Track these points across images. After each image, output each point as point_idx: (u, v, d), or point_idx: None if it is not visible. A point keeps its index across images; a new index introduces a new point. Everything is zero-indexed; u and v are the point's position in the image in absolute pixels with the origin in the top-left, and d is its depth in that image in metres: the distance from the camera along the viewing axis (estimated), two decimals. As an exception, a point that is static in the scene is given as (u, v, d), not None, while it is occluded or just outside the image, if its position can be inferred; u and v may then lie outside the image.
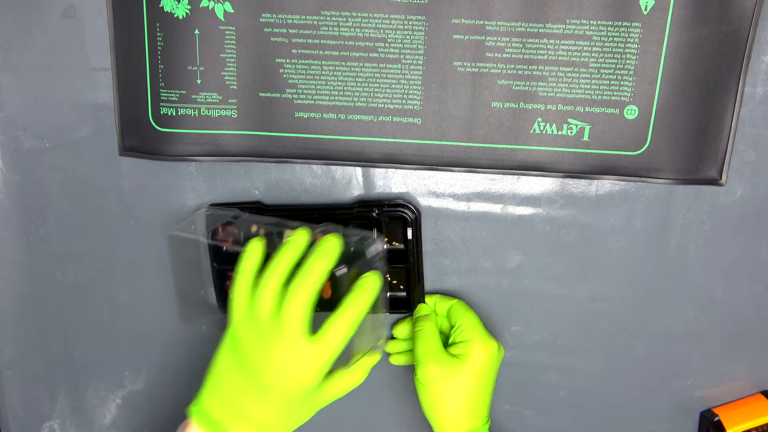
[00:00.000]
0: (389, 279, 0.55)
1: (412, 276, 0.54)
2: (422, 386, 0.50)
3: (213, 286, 0.55)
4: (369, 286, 0.44)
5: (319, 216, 0.52)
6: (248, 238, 0.51)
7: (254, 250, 0.44)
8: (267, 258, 0.44)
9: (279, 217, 0.52)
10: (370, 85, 0.50)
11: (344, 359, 0.46)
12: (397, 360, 0.57)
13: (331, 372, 0.45)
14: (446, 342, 0.52)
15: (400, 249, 0.53)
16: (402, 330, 0.56)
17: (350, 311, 0.43)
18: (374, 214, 0.52)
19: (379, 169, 0.54)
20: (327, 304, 0.52)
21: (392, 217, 0.52)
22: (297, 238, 0.44)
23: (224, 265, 0.53)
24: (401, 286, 0.55)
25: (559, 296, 0.56)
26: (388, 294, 0.55)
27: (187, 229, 0.52)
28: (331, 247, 0.43)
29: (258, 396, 0.43)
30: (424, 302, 0.55)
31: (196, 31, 0.49)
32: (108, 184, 0.55)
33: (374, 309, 0.51)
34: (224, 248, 0.54)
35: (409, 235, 0.52)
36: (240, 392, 0.43)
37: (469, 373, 0.49)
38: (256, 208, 0.53)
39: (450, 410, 0.49)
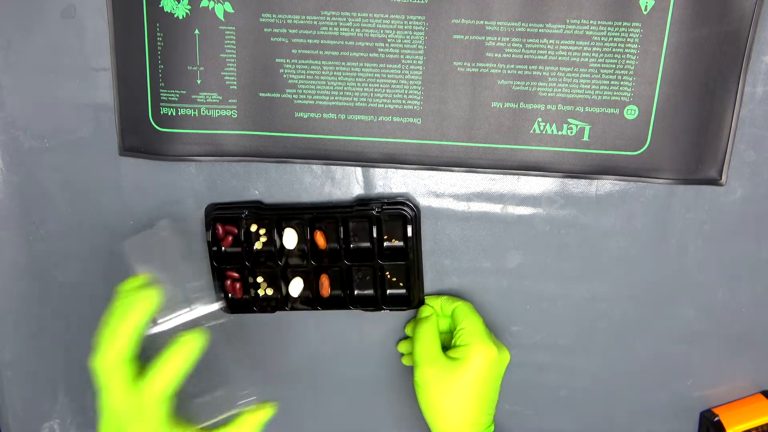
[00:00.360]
0: (389, 276, 0.55)
1: (412, 273, 0.54)
2: (420, 389, 0.50)
3: (213, 286, 0.55)
4: (185, 348, 0.43)
5: (319, 215, 0.53)
6: (248, 236, 0.52)
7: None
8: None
9: (278, 216, 0.53)
10: (370, 85, 0.50)
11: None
12: (409, 360, 0.57)
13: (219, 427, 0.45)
14: (451, 345, 0.52)
15: (399, 246, 0.54)
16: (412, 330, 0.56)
17: (162, 375, 0.42)
18: (374, 212, 0.52)
19: (379, 169, 0.54)
20: (329, 301, 0.56)
21: (392, 215, 0.52)
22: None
23: (224, 264, 0.54)
24: (401, 284, 0.55)
25: (559, 296, 0.56)
26: (388, 291, 0.55)
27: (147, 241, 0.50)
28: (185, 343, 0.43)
29: None
30: (423, 299, 0.55)
31: (196, 31, 0.49)
32: (108, 184, 0.55)
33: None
34: (223, 248, 0.55)
35: (409, 233, 0.52)
36: None
37: (467, 377, 0.49)
38: (256, 207, 0.53)
39: (448, 414, 0.49)
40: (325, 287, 0.55)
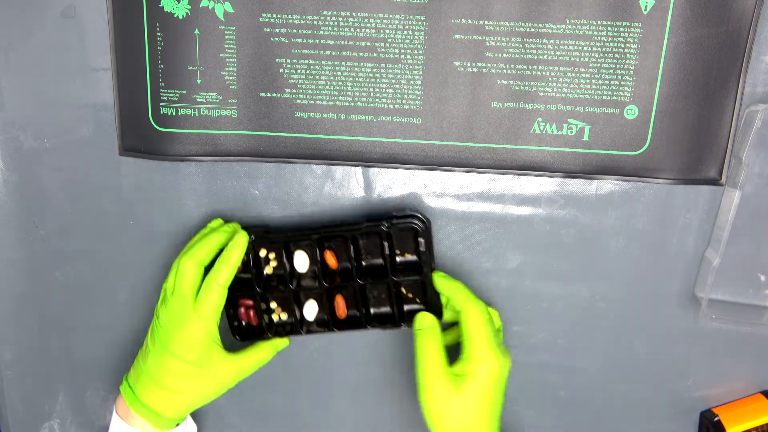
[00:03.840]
0: (405, 291, 0.53)
1: (428, 286, 0.51)
2: (425, 408, 0.48)
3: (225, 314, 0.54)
4: (235, 248, 0.49)
5: (327, 234, 0.51)
6: (258, 262, 0.53)
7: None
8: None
9: (286, 239, 0.52)
10: (370, 85, 0.50)
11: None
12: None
13: (241, 349, 0.52)
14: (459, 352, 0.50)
15: (413, 261, 0.52)
16: None
17: (217, 277, 0.48)
18: (384, 228, 0.50)
19: (379, 169, 0.54)
20: (345, 322, 0.54)
21: (402, 229, 0.51)
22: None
23: (234, 291, 0.52)
24: (417, 299, 0.53)
25: (559, 296, 0.56)
26: (405, 307, 0.53)
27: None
28: (237, 241, 0.49)
29: (163, 359, 0.49)
30: (441, 311, 0.52)
31: (196, 31, 0.49)
32: (108, 184, 0.55)
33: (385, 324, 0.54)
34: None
35: (422, 246, 0.50)
36: (152, 360, 0.49)
37: (475, 395, 0.47)
38: (263, 231, 0.52)
39: (457, 431, 0.48)
40: (341, 308, 0.53)
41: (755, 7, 0.47)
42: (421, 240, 0.50)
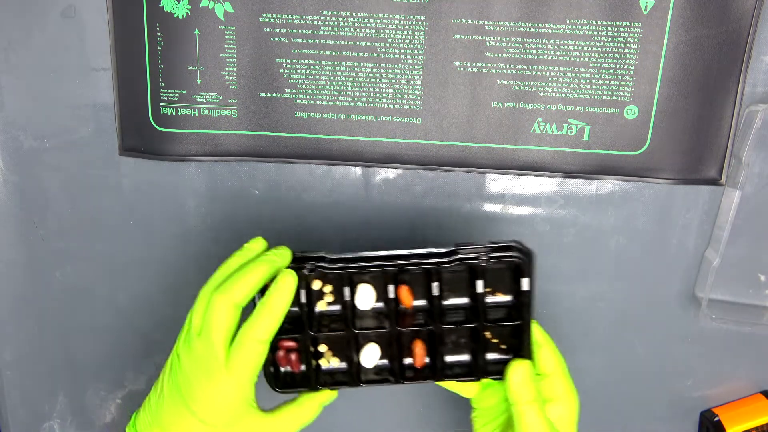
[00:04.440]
0: (489, 336, 0.44)
1: (525, 335, 0.43)
2: None
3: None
4: (281, 294, 0.40)
5: (403, 268, 0.42)
6: (309, 295, 0.44)
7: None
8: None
9: (350, 271, 0.42)
10: (370, 85, 0.50)
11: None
12: None
13: (279, 406, 0.43)
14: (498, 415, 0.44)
15: (506, 302, 0.44)
16: (490, 398, 0.45)
17: (256, 331, 0.39)
18: (483, 262, 0.42)
19: (379, 169, 0.54)
20: (417, 372, 0.45)
21: (499, 263, 0.42)
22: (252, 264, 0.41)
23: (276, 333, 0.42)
24: (503, 346, 0.44)
25: (559, 296, 0.56)
26: (488, 356, 0.45)
27: None
28: (283, 284, 0.40)
29: (182, 414, 0.39)
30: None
31: (196, 31, 0.49)
32: (108, 184, 0.55)
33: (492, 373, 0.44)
34: None
35: (525, 286, 0.42)
36: (167, 411, 0.40)
37: None
38: (320, 259, 0.42)
39: None
40: (420, 356, 0.44)
41: (755, 7, 0.47)
42: (524, 280, 0.42)
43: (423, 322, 0.44)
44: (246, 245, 0.43)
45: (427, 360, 0.44)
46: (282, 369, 0.44)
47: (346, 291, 0.43)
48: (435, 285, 0.42)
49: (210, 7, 0.49)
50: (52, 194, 0.56)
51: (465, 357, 0.45)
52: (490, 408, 0.45)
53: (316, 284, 0.44)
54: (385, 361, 0.45)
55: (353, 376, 0.44)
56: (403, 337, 0.44)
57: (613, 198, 0.53)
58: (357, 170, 0.54)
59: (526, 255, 0.42)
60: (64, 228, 0.56)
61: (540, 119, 0.50)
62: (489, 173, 0.53)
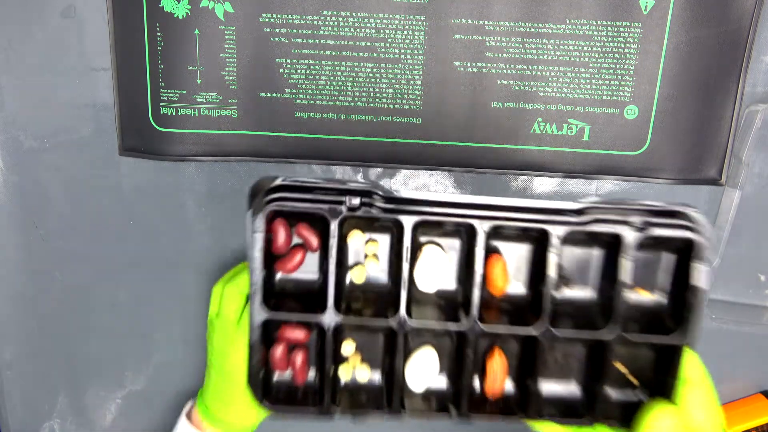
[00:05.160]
0: (618, 365, 0.30)
1: (675, 359, 0.29)
2: None
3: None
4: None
5: (503, 224, 0.29)
6: (342, 256, 0.31)
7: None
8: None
9: (409, 215, 0.28)
10: (370, 85, 0.50)
11: None
12: None
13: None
14: None
15: (654, 306, 0.30)
16: None
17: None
18: (636, 229, 0.28)
19: (379, 169, 0.54)
20: (503, 404, 0.32)
21: (661, 240, 0.28)
22: None
23: (277, 309, 0.33)
24: (635, 380, 0.31)
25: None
26: (607, 390, 0.30)
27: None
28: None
29: (224, 382, 0.45)
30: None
31: (196, 31, 0.49)
32: (108, 184, 0.55)
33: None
34: (279, 274, 0.36)
35: (698, 279, 0.28)
36: (215, 379, 0.47)
37: None
38: (365, 195, 0.28)
39: None
40: (498, 378, 0.30)
41: (755, 7, 0.47)
42: (700, 267, 0.28)
43: (516, 320, 0.28)
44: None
45: (509, 386, 0.30)
46: (276, 374, 0.33)
47: (404, 252, 0.28)
48: (553, 258, 0.27)
49: (210, 7, 0.49)
50: (52, 194, 0.56)
51: (572, 388, 0.31)
52: None
53: (355, 236, 0.30)
54: (443, 381, 0.30)
55: (391, 398, 0.29)
56: (481, 341, 0.29)
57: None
58: (357, 170, 0.54)
59: (700, 229, 0.26)
60: (64, 228, 0.56)
61: (540, 119, 0.50)
62: (489, 173, 0.53)
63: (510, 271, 0.30)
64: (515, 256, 0.30)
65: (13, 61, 0.53)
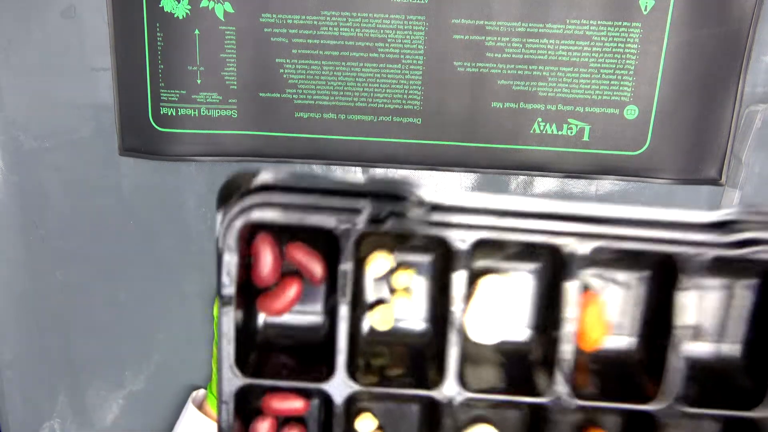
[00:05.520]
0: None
1: None
2: None
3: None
4: None
5: (606, 246, 0.21)
6: (357, 287, 0.23)
7: None
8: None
9: (459, 229, 0.20)
10: (370, 85, 0.50)
11: None
12: None
13: None
14: None
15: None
16: None
17: None
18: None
19: (379, 169, 0.54)
20: None
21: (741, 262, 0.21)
22: None
23: (261, 371, 0.24)
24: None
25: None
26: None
27: None
28: None
29: None
30: None
31: (196, 31, 0.49)
32: (108, 184, 0.55)
33: None
34: (264, 318, 0.27)
35: None
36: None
37: None
38: (395, 200, 0.21)
39: None
40: None
41: (755, 7, 0.47)
42: None
43: (615, 390, 0.21)
44: None
45: None
46: None
47: (453, 286, 0.20)
48: (687, 298, 0.20)
49: (210, 7, 0.49)
50: (52, 194, 0.56)
51: None
52: None
53: (378, 262, 0.21)
54: None
55: None
56: (566, 419, 0.21)
57: (613, 198, 0.53)
58: (357, 170, 0.54)
59: None
60: (64, 228, 0.56)
61: (540, 119, 0.50)
62: (489, 173, 0.53)
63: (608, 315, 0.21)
64: (615, 293, 0.21)
65: (13, 61, 0.52)
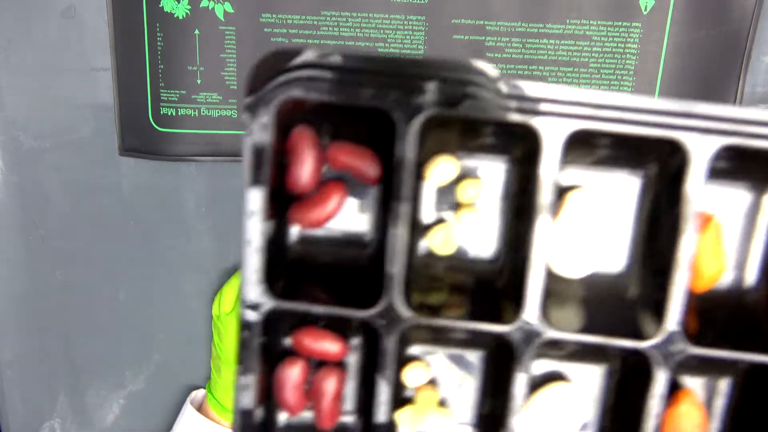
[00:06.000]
0: None
1: None
2: None
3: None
4: None
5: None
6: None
7: None
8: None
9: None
10: (370, 85, 0.50)
11: None
12: None
13: None
14: None
15: None
16: None
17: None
18: None
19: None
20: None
21: None
22: None
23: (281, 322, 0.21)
24: None
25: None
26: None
27: None
28: None
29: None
30: None
31: (196, 31, 0.49)
32: (108, 184, 0.55)
33: None
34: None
35: None
36: (225, 373, 0.51)
37: None
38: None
39: None
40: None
41: (755, 7, 0.47)
42: None
43: (733, 336, 0.17)
44: None
45: None
46: (285, 416, 0.21)
47: (539, 198, 0.17)
48: None
49: (210, 7, 0.49)
50: (52, 194, 0.56)
51: None
52: None
53: (441, 167, 0.18)
54: None
55: None
56: (673, 373, 0.17)
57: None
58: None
59: None
60: (64, 228, 0.56)
61: (540, 119, 0.50)
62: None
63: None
64: (731, 215, 0.16)
65: (13, 61, 0.52)
